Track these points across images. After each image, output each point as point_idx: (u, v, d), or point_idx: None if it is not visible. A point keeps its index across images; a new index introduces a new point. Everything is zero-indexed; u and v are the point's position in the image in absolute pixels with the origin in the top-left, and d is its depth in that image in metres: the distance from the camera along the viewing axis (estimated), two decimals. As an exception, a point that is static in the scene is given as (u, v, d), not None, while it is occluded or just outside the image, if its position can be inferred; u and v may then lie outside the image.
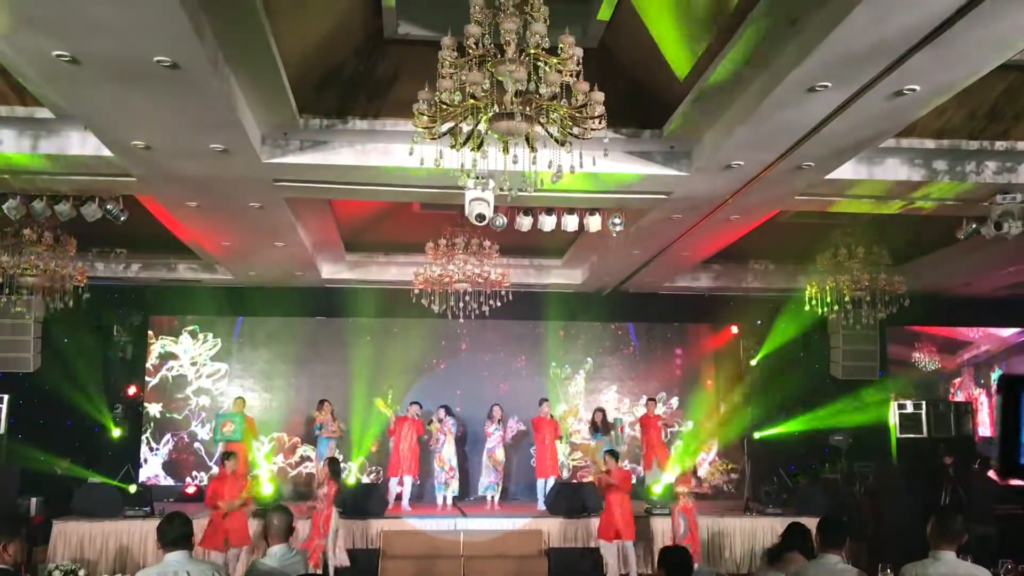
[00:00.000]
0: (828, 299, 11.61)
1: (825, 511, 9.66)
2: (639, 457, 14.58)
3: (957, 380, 16.62)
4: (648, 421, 13.80)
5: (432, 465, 13.49)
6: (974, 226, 9.55)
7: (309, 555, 9.88)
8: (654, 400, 14.49)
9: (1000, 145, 8.52)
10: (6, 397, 11.98)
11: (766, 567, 5.88)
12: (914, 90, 6.44)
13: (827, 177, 8.68)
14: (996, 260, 12.01)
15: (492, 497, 13.21)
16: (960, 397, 16.32)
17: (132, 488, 11.72)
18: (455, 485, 13.21)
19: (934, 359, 16.32)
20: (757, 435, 14.63)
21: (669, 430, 14.76)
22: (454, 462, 13.25)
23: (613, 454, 10.98)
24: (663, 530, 11.30)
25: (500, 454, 13.39)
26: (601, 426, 13.68)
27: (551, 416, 13.57)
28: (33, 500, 11.69)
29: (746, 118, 7.20)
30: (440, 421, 13.42)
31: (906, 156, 8.69)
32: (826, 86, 6.39)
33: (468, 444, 14.47)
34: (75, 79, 6.34)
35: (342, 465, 12.13)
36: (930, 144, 8.50)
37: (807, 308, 11.89)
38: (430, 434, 13.47)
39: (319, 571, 9.95)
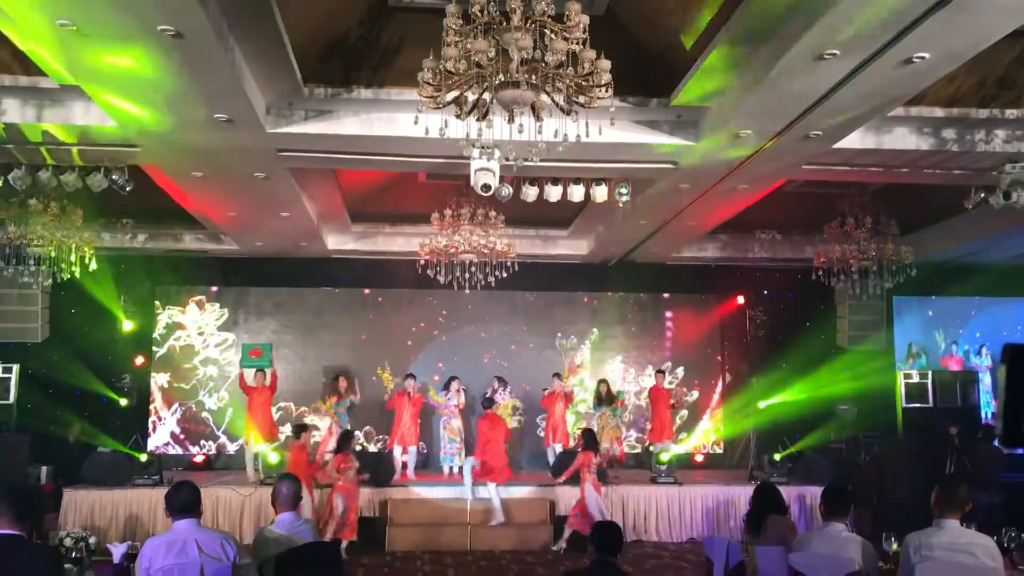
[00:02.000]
0: (835, 269, 11.58)
1: (830, 480, 9.72)
2: (644, 429, 14.65)
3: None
4: (658, 393, 13.80)
5: (440, 435, 13.55)
6: (983, 195, 9.49)
7: (341, 529, 10.04)
8: (663, 372, 14.49)
9: (1011, 113, 8.43)
10: (15, 367, 12.04)
11: (752, 538, 5.89)
12: (923, 58, 6.38)
13: (835, 146, 8.63)
14: (1005, 230, 11.94)
15: (451, 468, 13.14)
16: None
17: (143, 457, 11.80)
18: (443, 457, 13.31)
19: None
20: (762, 404, 14.65)
21: (680, 408, 14.78)
22: (444, 435, 13.33)
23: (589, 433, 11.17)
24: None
25: (456, 424, 13.43)
26: (605, 398, 13.71)
27: (564, 389, 13.56)
28: (43, 468, 11.79)
29: (754, 87, 7.15)
30: (448, 391, 13.45)
31: (915, 125, 8.63)
32: (834, 54, 6.34)
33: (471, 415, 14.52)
34: (78, 48, 6.31)
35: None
36: (939, 112, 8.43)
37: (814, 278, 11.87)
38: (437, 404, 13.54)
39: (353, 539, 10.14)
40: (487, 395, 12.87)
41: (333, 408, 13.30)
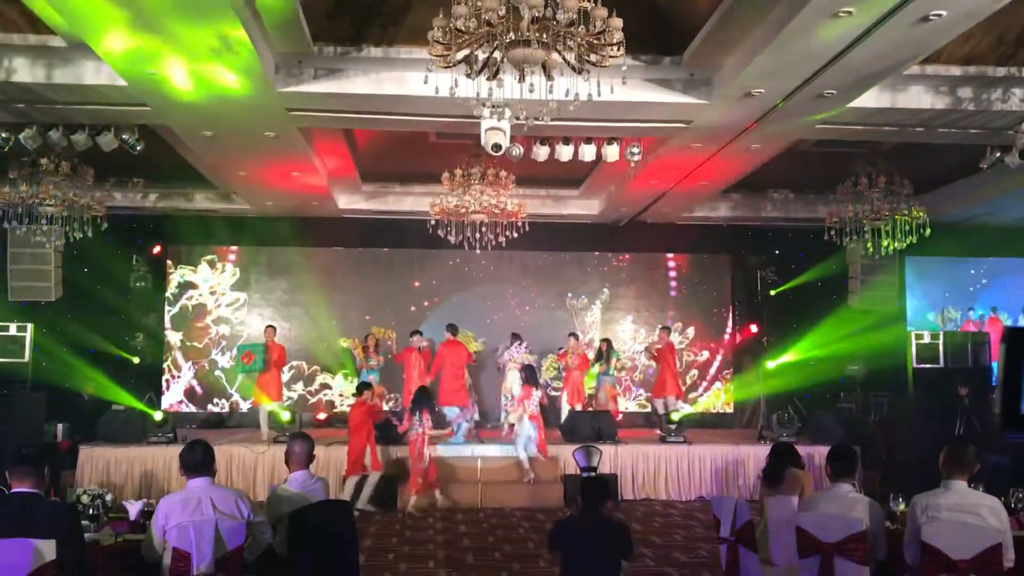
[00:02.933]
0: (847, 228, 11.51)
1: (839, 440, 9.75)
2: (650, 386, 14.68)
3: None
4: (662, 350, 13.82)
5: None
6: (998, 155, 9.39)
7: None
8: (668, 328, 14.49)
9: (1028, 72, 8.34)
10: (30, 326, 12.13)
11: (769, 491, 6.00)
12: (940, 15, 6.29)
13: (849, 105, 8.54)
14: (1020, 189, 11.84)
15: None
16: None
17: (157, 415, 11.93)
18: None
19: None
20: (772, 364, 14.67)
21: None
22: (516, 390, 12.61)
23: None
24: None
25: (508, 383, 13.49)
26: (605, 355, 13.74)
27: (578, 349, 13.58)
28: (60, 426, 11.94)
29: (767, 44, 7.07)
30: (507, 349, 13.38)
31: (930, 83, 8.55)
32: (849, 12, 6.25)
33: (485, 373, 14.59)
34: (85, 5, 6.28)
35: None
36: (956, 71, 8.33)
37: (826, 238, 11.81)
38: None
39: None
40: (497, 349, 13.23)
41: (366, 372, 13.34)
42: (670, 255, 15.74)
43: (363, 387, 11.17)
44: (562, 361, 13.67)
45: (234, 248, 15.11)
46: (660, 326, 14.60)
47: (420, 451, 10.44)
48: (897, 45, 6.92)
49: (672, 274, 15.81)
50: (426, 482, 10.51)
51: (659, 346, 13.92)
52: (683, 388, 14.66)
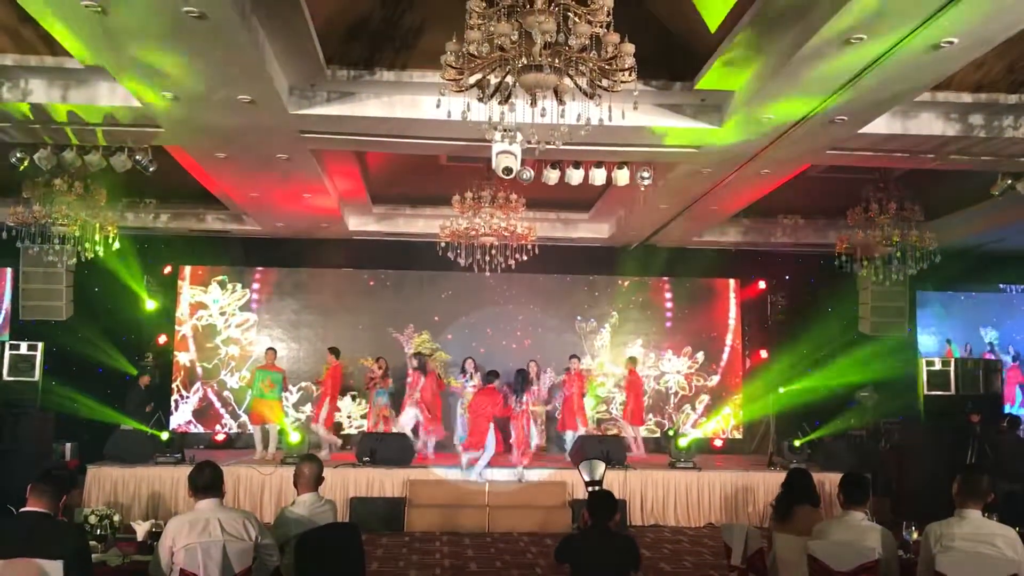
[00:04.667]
0: (858, 254, 11.49)
1: (850, 466, 9.67)
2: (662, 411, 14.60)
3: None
4: (630, 381, 14.00)
5: (456, 416, 13.62)
6: (1009, 182, 9.38)
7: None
8: (634, 359, 14.47)
9: (1040, 99, 8.33)
10: (40, 345, 12.16)
11: (778, 525, 5.75)
12: (952, 42, 6.29)
13: (860, 131, 8.54)
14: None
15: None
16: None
17: (164, 435, 11.92)
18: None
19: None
20: (782, 390, 14.59)
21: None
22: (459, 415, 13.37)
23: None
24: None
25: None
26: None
27: (578, 371, 13.57)
28: (68, 445, 11.94)
29: (779, 70, 7.08)
30: (465, 373, 13.53)
31: (942, 110, 8.54)
32: (862, 38, 6.26)
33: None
34: (103, 28, 6.34)
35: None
36: (967, 98, 8.32)
37: (836, 264, 11.78)
38: (450, 385, 13.60)
39: None
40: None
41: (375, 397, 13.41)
42: (679, 279, 15.71)
43: (492, 376, 11.81)
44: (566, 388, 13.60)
45: (244, 269, 15.14)
46: (628, 356, 14.55)
47: (526, 426, 11.78)
48: (909, 72, 6.92)
49: (683, 298, 15.77)
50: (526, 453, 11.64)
51: (627, 378, 14.07)
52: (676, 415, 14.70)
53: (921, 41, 6.23)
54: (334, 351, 13.15)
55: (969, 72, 7.71)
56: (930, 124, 8.61)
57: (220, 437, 14.57)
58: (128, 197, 12.67)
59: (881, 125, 8.50)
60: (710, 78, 7.97)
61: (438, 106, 5.31)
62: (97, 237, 10.83)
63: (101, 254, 11.05)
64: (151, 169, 9.76)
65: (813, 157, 9.73)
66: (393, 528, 10.68)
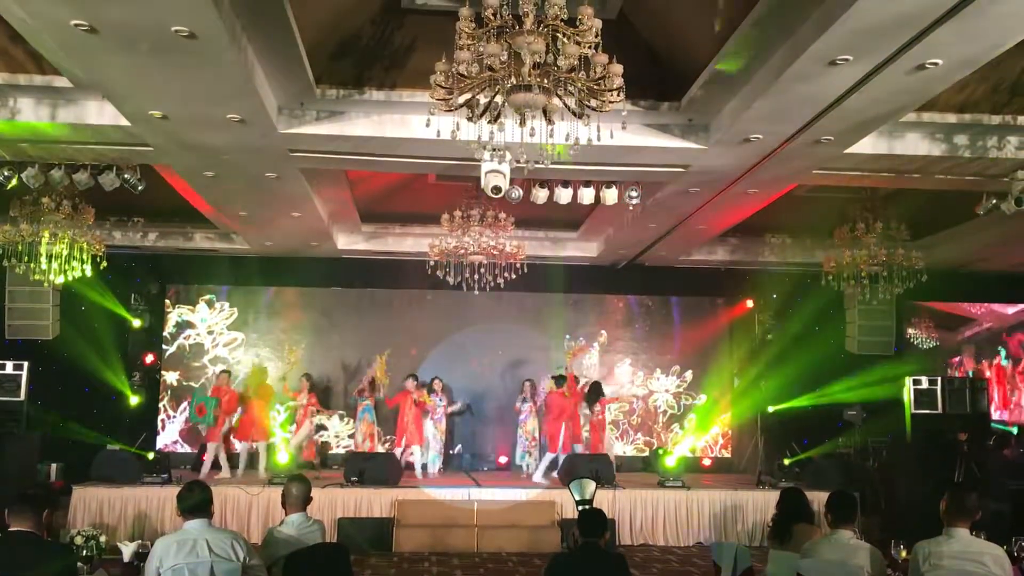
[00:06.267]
0: (845, 273, 11.55)
1: (838, 485, 9.68)
2: (650, 430, 14.57)
3: (955, 359, 16.35)
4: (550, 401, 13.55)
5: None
6: (994, 201, 9.46)
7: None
8: (560, 378, 13.44)
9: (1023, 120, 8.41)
10: (26, 364, 12.06)
11: (776, 545, 5.82)
12: (936, 64, 6.37)
13: (846, 151, 8.61)
14: (1016, 236, 11.90)
15: (527, 466, 13.51)
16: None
17: (150, 455, 11.83)
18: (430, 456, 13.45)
19: (932, 338, 16.05)
20: (771, 409, 14.62)
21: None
22: (431, 433, 13.53)
23: None
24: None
25: (530, 426, 13.61)
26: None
27: (563, 391, 13.50)
28: (53, 466, 11.83)
29: (765, 91, 7.15)
30: (432, 392, 13.64)
31: (927, 130, 8.61)
32: (847, 59, 6.33)
33: (475, 416, 14.61)
34: (93, 48, 6.35)
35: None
36: (951, 118, 8.40)
37: (823, 282, 11.84)
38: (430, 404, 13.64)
39: None
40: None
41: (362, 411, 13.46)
42: (668, 298, 15.75)
43: (560, 380, 12.42)
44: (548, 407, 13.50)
45: (232, 288, 15.10)
46: (554, 375, 13.63)
47: (601, 434, 12.94)
48: (894, 92, 7.00)
49: (671, 317, 15.81)
50: None
51: (542, 397, 13.90)
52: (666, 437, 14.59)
53: (906, 62, 6.31)
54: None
55: (953, 93, 7.80)
56: (916, 144, 8.68)
57: (208, 457, 14.44)
58: (115, 216, 12.63)
59: (867, 145, 8.57)
60: (697, 98, 8.03)
61: (427, 125, 5.34)
62: (84, 256, 10.79)
63: (88, 273, 11.00)
64: (139, 188, 9.74)
65: (800, 177, 9.80)
66: (381, 548, 10.61)
